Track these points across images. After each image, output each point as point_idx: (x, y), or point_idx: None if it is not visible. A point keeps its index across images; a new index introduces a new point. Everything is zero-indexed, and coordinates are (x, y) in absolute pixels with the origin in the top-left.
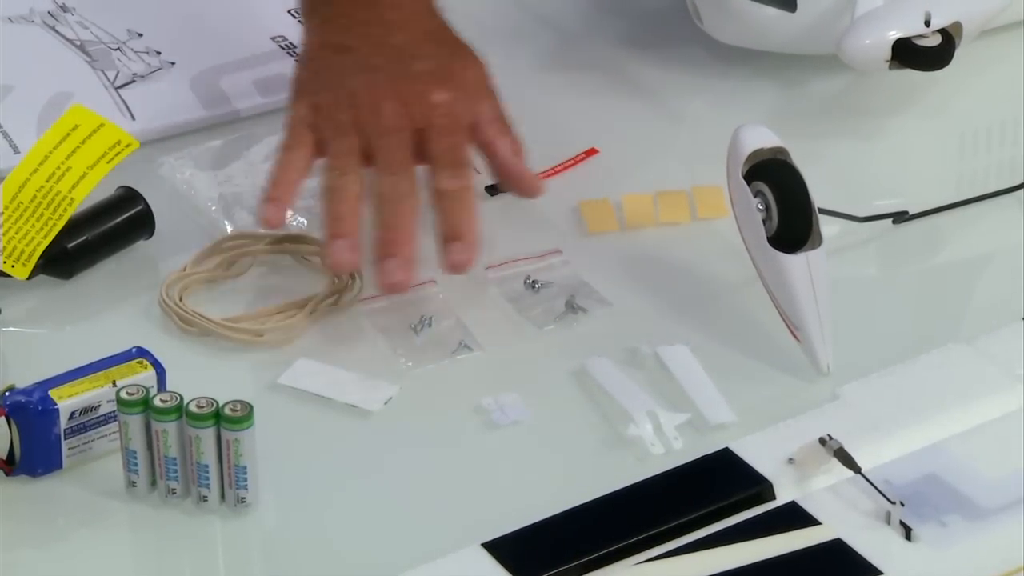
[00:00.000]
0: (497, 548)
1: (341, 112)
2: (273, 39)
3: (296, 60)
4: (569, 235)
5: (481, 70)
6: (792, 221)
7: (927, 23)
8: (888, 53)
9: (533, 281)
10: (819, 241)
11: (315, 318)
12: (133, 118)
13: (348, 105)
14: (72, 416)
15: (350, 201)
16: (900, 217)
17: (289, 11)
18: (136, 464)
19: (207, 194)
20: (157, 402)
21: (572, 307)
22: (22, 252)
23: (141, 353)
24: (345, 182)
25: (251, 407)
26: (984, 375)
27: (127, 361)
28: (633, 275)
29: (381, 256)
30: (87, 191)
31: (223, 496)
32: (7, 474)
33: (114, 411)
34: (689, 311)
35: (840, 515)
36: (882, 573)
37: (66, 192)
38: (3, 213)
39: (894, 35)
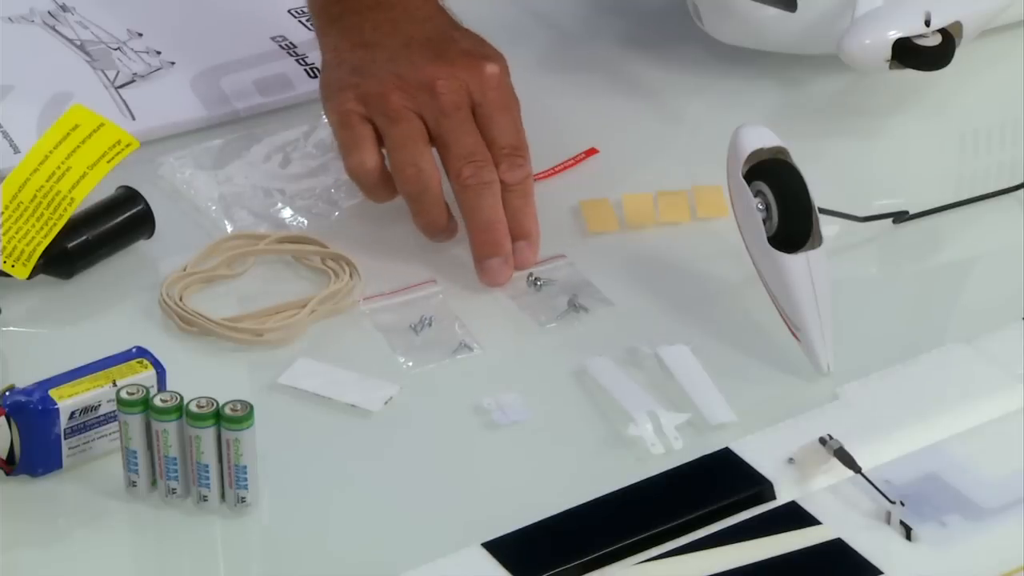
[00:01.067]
0: (497, 548)
1: (393, 96)
2: (273, 39)
3: (322, 70)
4: (569, 235)
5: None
6: (792, 221)
7: (927, 23)
8: (888, 53)
9: (536, 279)
10: (819, 241)
11: (315, 318)
12: (133, 118)
13: (396, 87)
14: (72, 416)
15: (439, 198)
16: (900, 217)
17: (289, 11)
18: (136, 464)
19: (207, 194)
20: (157, 402)
21: (574, 306)
22: (22, 252)
23: (141, 353)
24: (425, 176)
25: (251, 407)
26: (984, 375)
27: (127, 361)
28: (633, 275)
29: (483, 256)
30: (87, 191)
31: (223, 496)
32: (7, 474)
33: (114, 411)
34: (689, 311)
35: (840, 515)
36: (882, 573)
37: (66, 192)
38: (3, 213)
39: (894, 35)
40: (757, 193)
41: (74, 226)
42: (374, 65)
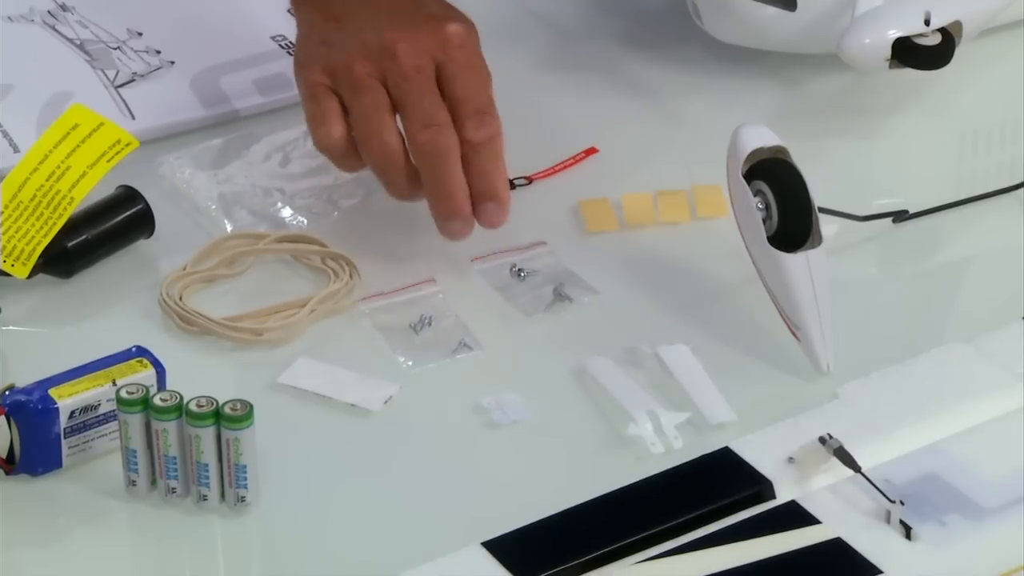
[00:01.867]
0: (497, 547)
1: (357, 65)
2: (273, 38)
3: (296, 45)
4: (569, 234)
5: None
6: (792, 220)
7: (927, 22)
8: (888, 52)
9: (519, 270)
10: (819, 240)
11: (315, 317)
12: (133, 117)
13: (361, 56)
14: (72, 415)
15: (403, 170)
16: (900, 216)
17: (289, 10)
18: (136, 463)
19: (207, 193)
20: (157, 401)
21: (560, 295)
22: (22, 251)
23: (141, 352)
24: (388, 149)
25: (251, 406)
26: (984, 374)
27: (127, 360)
28: (633, 274)
29: (442, 218)
30: (87, 190)
31: (223, 495)
32: (7, 473)
33: (114, 410)
34: (689, 310)
35: (840, 514)
36: (882, 572)
37: (66, 191)
38: (3, 212)
39: (894, 34)
40: (757, 192)
41: (74, 225)
42: (342, 35)
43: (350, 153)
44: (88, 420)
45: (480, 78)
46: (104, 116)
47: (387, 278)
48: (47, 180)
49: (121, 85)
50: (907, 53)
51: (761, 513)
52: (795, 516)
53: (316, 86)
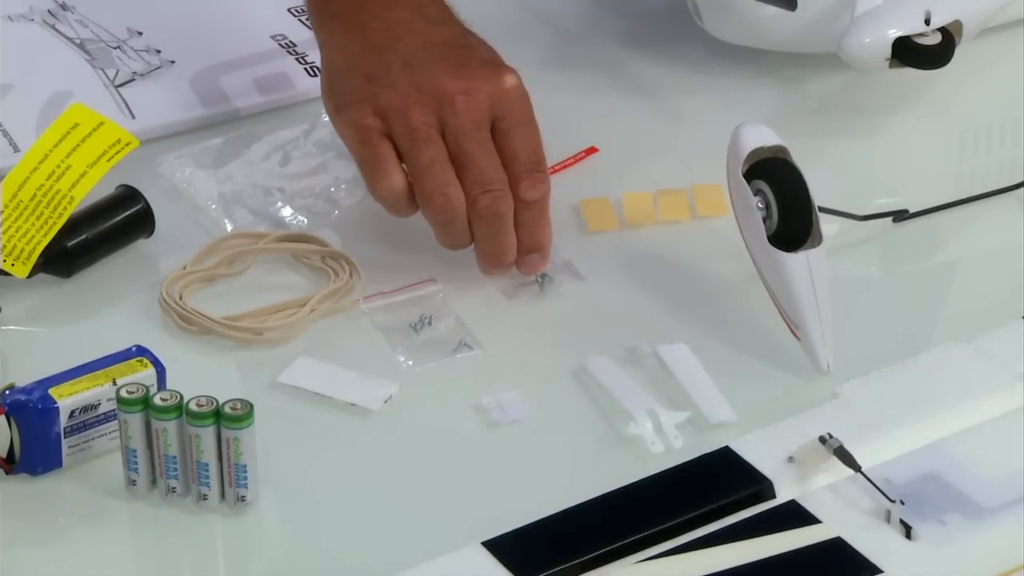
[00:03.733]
0: (497, 547)
1: (413, 112)
2: (273, 38)
3: (328, 73)
4: (569, 234)
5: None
6: (792, 220)
7: (927, 22)
8: (888, 52)
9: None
10: (819, 240)
11: (315, 317)
12: (133, 116)
13: (417, 102)
14: (72, 415)
15: (465, 224)
16: (900, 216)
17: (289, 10)
18: (136, 463)
19: (207, 192)
20: (157, 401)
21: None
22: (22, 251)
23: (141, 352)
24: (453, 204)
25: (251, 406)
26: (984, 374)
27: (127, 359)
28: (633, 273)
29: (487, 269)
30: (87, 189)
31: (223, 495)
32: (7, 473)
33: (114, 410)
34: (689, 310)
35: (840, 514)
36: (882, 572)
37: (66, 191)
38: (3, 212)
39: (894, 34)
40: (757, 192)
41: (74, 225)
42: (390, 74)
43: (409, 202)
44: (88, 419)
45: (533, 134)
46: (104, 115)
47: (387, 277)
48: (47, 179)
49: (121, 84)
50: (907, 52)
51: (761, 513)
52: (795, 515)
53: (368, 130)
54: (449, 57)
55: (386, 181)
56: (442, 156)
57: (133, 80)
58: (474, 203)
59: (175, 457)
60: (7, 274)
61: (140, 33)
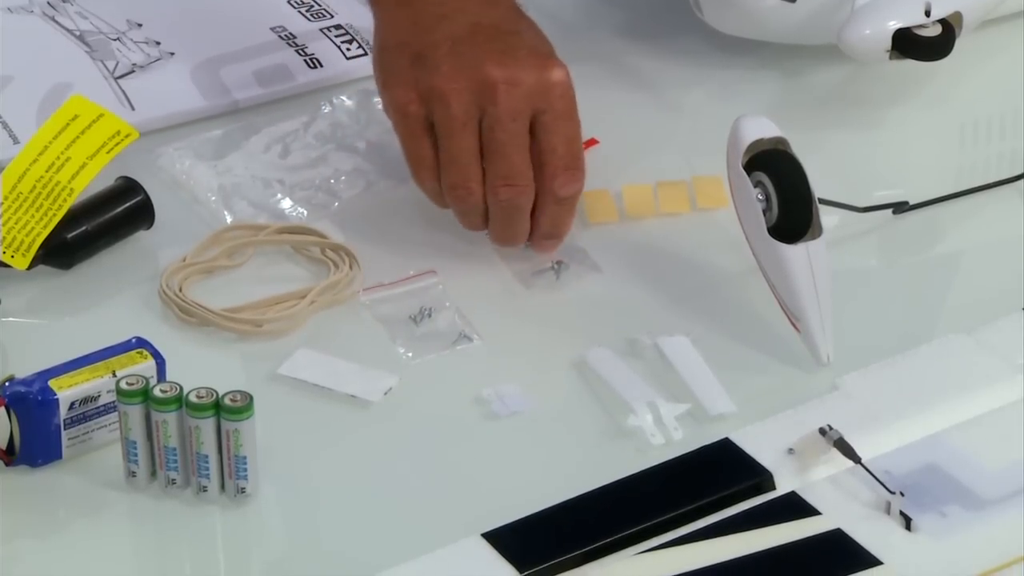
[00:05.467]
0: (497, 538)
1: (452, 99)
2: (273, 29)
3: (378, 46)
4: None
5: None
6: (792, 211)
7: (927, 13)
8: (888, 43)
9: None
10: (819, 231)
11: (315, 308)
12: (133, 108)
13: (457, 90)
14: (72, 406)
15: (483, 212)
16: (900, 208)
17: (289, 1)
18: (136, 454)
19: (207, 184)
20: (157, 392)
21: (556, 265)
22: (22, 242)
23: (141, 343)
24: (474, 197)
25: (251, 397)
26: (984, 365)
27: (127, 351)
28: (633, 265)
29: (499, 245)
30: (87, 181)
31: (223, 486)
32: (7, 464)
33: (114, 401)
34: (689, 302)
35: (840, 505)
36: (882, 563)
37: (66, 182)
38: (3, 203)
39: (894, 25)
40: (757, 184)
41: (74, 216)
42: (436, 55)
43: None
44: (88, 411)
45: (574, 129)
46: (104, 107)
47: (387, 269)
48: (47, 171)
49: (121, 76)
50: (907, 44)
51: (761, 504)
52: (795, 507)
53: (411, 118)
54: (497, 42)
55: (427, 176)
56: (472, 147)
57: (133, 72)
58: (495, 193)
59: (175, 449)
60: (7, 266)
61: (140, 25)
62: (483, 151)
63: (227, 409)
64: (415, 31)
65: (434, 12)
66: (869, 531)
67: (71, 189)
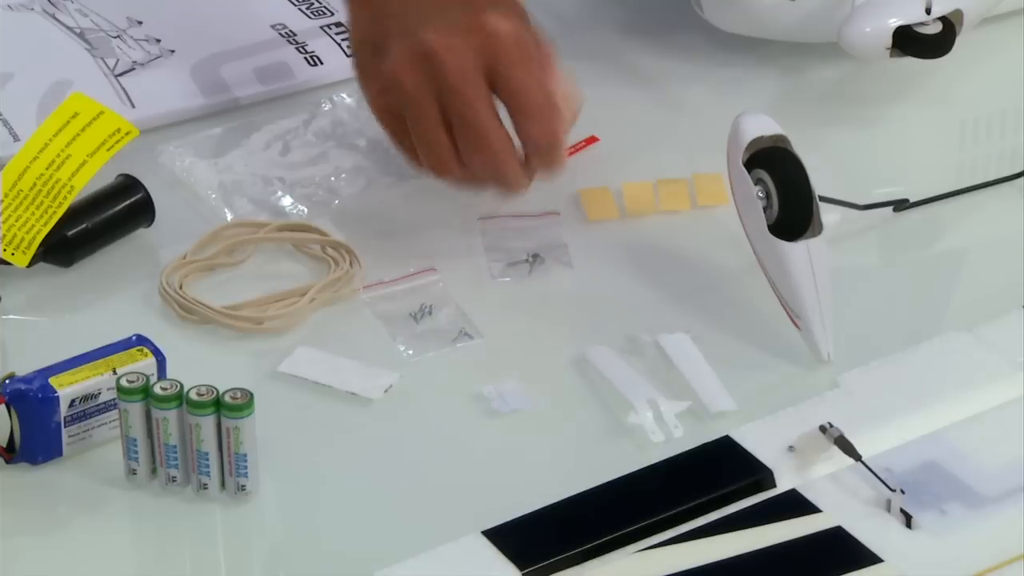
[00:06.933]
0: (498, 536)
1: (406, 79)
2: (273, 27)
3: (351, 47)
4: (569, 223)
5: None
6: (793, 209)
7: (928, 11)
8: (889, 41)
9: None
10: (819, 229)
11: (315, 306)
12: (133, 106)
13: (407, 66)
14: (72, 404)
15: (457, 175)
16: (901, 205)
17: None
18: (136, 452)
19: (207, 182)
20: (157, 390)
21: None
22: (22, 240)
23: (141, 341)
24: (447, 167)
25: (251, 395)
26: (984, 363)
27: (127, 349)
28: (633, 263)
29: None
30: (87, 179)
31: (223, 484)
32: (7, 462)
33: (114, 399)
34: (689, 299)
35: (840, 503)
36: (882, 560)
37: (66, 180)
38: (3, 201)
39: (895, 23)
40: (757, 181)
41: (74, 214)
42: (387, 41)
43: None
44: (88, 409)
45: (533, 72)
46: (104, 104)
47: (388, 267)
48: (47, 169)
49: (121, 74)
50: (908, 42)
51: (761, 501)
52: (795, 504)
53: (381, 111)
54: (436, 11)
55: (411, 158)
56: (434, 121)
57: (133, 69)
58: (470, 164)
59: (175, 446)
60: (7, 263)
61: (140, 22)
62: (450, 123)
63: (227, 406)
64: (372, 22)
65: (389, 4)
66: (869, 528)
67: (71, 186)
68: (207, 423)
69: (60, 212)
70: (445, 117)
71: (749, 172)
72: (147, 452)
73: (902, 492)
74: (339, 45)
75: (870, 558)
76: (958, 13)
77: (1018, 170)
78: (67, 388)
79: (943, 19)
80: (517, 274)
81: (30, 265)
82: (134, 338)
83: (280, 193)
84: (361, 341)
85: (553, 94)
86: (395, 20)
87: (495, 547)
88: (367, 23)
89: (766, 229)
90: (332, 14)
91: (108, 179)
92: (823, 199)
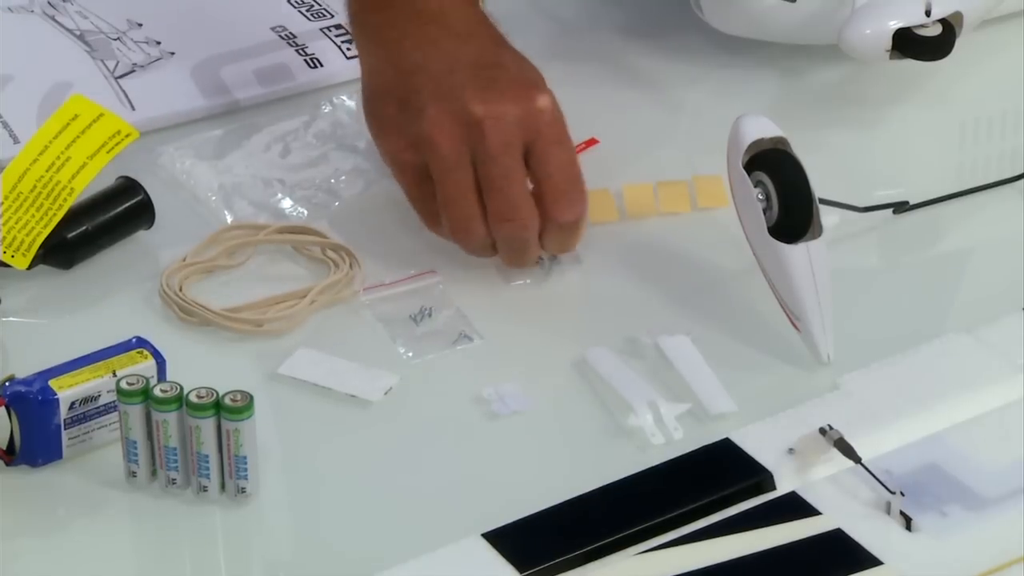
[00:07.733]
0: (497, 538)
1: (443, 143)
2: (273, 29)
3: (366, 93)
4: None
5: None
6: (792, 211)
7: (928, 13)
8: (889, 43)
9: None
10: (819, 231)
11: (315, 308)
12: (133, 108)
13: (444, 131)
14: (72, 406)
15: (486, 246)
16: (901, 207)
17: (289, 1)
18: (136, 454)
19: (207, 184)
20: (157, 392)
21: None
22: (22, 242)
23: (141, 343)
24: (475, 237)
25: (251, 397)
26: (984, 365)
27: (127, 351)
28: (633, 265)
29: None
30: (87, 181)
31: (223, 486)
32: (7, 464)
33: (114, 401)
34: (689, 301)
35: (840, 505)
36: (882, 563)
37: (66, 182)
38: (3, 203)
39: (895, 25)
40: (757, 183)
41: (74, 216)
42: (419, 99)
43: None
44: (88, 411)
45: (567, 153)
46: (104, 107)
47: (388, 269)
48: (47, 171)
49: (121, 76)
50: (908, 44)
51: (761, 504)
52: (795, 507)
53: (406, 166)
54: (478, 79)
55: (427, 220)
56: (467, 186)
57: (133, 71)
58: (497, 230)
59: (175, 448)
60: (7, 265)
61: (140, 24)
62: (481, 188)
63: (227, 409)
64: (397, 76)
65: (413, 54)
66: (869, 531)
67: (71, 189)
68: (207, 425)
69: (60, 214)
70: (476, 182)
71: (749, 174)
72: (147, 454)
73: (902, 494)
74: (339, 47)
75: (870, 560)
76: (958, 15)
77: (1018, 172)
78: (67, 390)
79: (943, 21)
80: (534, 276)
81: (30, 267)
82: (134, 340)
83: (280, 195)
84: (361, 343)
85: (582, 177)
86: (425, 77)
87: (495, 549)
88: (389, 74)
89: (766, 231)
90: (332, 16)
91: (108, 181)
92: (823, 201)
